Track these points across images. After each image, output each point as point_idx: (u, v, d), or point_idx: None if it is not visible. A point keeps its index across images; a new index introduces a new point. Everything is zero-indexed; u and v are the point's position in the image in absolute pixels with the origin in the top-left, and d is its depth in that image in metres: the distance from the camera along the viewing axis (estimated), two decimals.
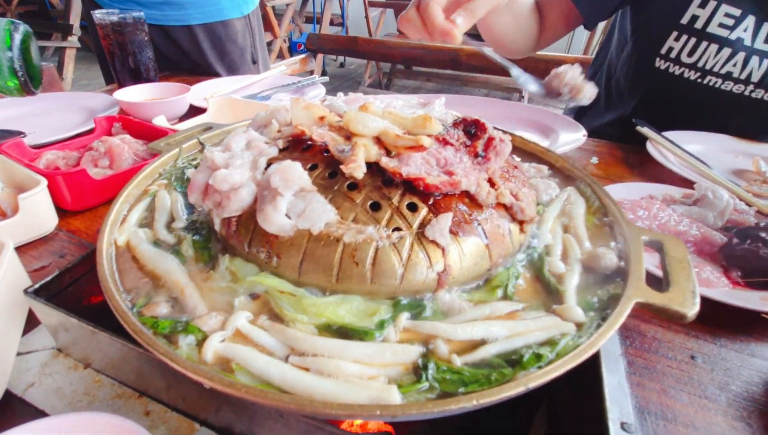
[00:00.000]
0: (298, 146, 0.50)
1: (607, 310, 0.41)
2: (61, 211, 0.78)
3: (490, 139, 0.50)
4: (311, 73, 3.62)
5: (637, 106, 1.18)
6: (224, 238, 0.46)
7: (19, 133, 0.97)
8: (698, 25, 1.01)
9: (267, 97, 1.28)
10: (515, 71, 0.82)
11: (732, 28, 0.98)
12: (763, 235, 0.69)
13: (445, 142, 0.48)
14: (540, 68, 2.31)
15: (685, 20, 1.02)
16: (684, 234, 0.72)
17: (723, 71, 1.01)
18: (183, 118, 1.15)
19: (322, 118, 0.50)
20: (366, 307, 0.40)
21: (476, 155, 0.48)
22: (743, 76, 1.00)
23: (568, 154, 1.07)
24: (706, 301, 0.59)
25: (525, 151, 0.71)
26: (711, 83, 1.03)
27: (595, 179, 0.60)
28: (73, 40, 3.12)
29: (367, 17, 4.93)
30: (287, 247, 0.41)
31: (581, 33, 4.59)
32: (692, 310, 0.39)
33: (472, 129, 0.51)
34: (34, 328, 0.56)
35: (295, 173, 0.42)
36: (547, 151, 0.69)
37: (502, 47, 1.22)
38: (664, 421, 0.48)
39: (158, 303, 0.40)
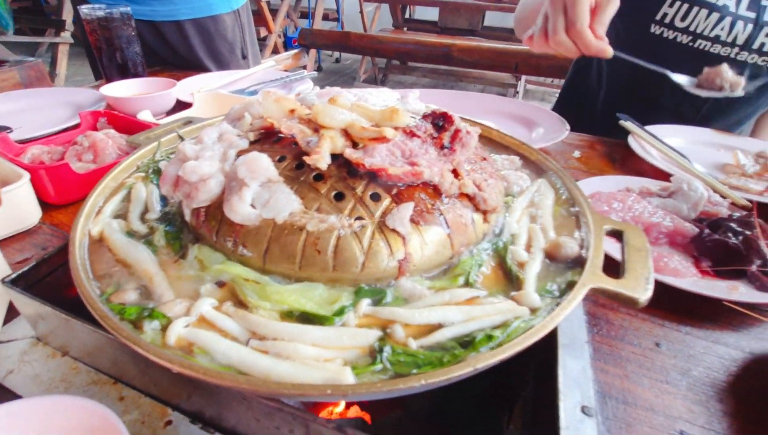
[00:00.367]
0: (269, 138, 0.51)
1: (564, 296, 0.42)
2: (45, 205, 0.79)
3: (457, 132, 0.51)
4: (304, 68, 3.62)
5: (633, 77, 1.20)
6: (194, 228, 0.47)
7: (6, 129, 0.98)
8: None
9: (254, 92, 1.28)
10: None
11: None
12: (733, 225, 0.70)
13: (412, 135, 0.49)
14: (532, 63, 2.31)
15: None
16: (657, 225, 0.73)
17: (712, 34, 1.07)
18: (170, 112, 1.15)
19: (292, 111, 0.51)
20: (328, 295, 0.41)
21: (442, 147, 0.49)
22: (730, 40, 1.07)
23: (550, 148, 1.08)
24: (674, 291, 0.61)
25: (502, 145, 0.72)
26: (701, 46, 1.10)
27: (567, 171, 0.61)
28: (66, 35, 3.12)
29: (362, 12, 4.92)
30: (252, 235, 0.42)
31: None
32: (644, 295, 0.40)
33: (440, 121, 0.52)
34: (14, 318, 0.57)
35: (261, 164, 0.43)
36: (522, 144, 0.70)
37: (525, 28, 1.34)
38: (624, 405, 0.49)
39: (126, 290, 0.41)
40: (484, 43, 2.45)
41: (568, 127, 1.09)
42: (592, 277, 0.42)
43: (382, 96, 0.62)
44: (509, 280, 0.46)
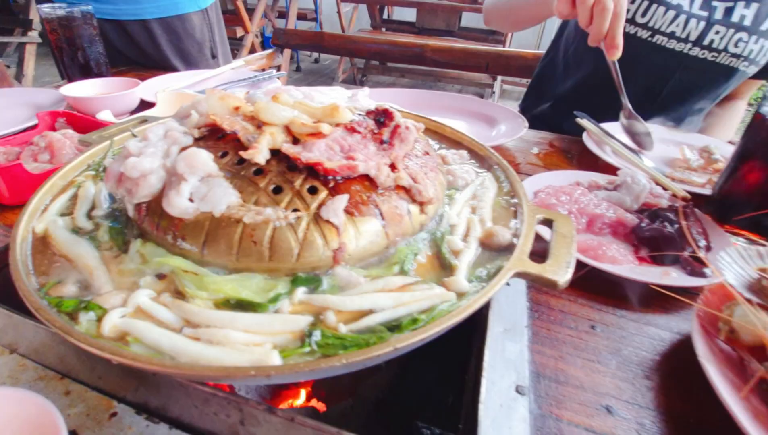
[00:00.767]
0: (214, 135, 0.52)
1: (491, 281, 0.44)
2: (0, 206, 0.78)
3: (396, 127, 0.53)
4: (279, 68, 3.60)
5: (596, 67, 1.26)
6: (137, 223, 0.48)
7: None
8: None
9: None
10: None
11: None
12: (670, 215, 0.74)
13: (353, 130, 0.51)
14: (501, 63, 2.36)
15: None
16: (601, 216, 0.77)
17: (668, 30, 1.15)
18: (134, 112, 1.15)
19: (236, 109, 0.53)
20: (265, 284, 0.42)
21: (381, 142, 0.52)
22: (683, 36, 1.15)
23: (511, 145, 1.12)
24: (611, 277, 0.65)
25: (454, 140, 0.75)
26: (659, 42, 1.18)
27: (509, 165, 0.64)
28: (34, 35, 3.04)
29: (339, 12, 4.93)
30: (191, 229, 0.43)
31: (552, 28, 4.68)
32: (563, 277, 0.43)
33: (381, 118, 0.54)
34: None
35: (199, 159, 0.45)
36: (472, 140, 0.73)
37: (503, 25, 1.50)
38: (556, 384, 0.52)
39: (66, 284, 0.42)
40: (457, 44, 2.49)
41: (526, 124, 1.13)
42: (517, 263, 0.44)
43: (332, 94, 0.64)
44: (443, 267, 0.48)
